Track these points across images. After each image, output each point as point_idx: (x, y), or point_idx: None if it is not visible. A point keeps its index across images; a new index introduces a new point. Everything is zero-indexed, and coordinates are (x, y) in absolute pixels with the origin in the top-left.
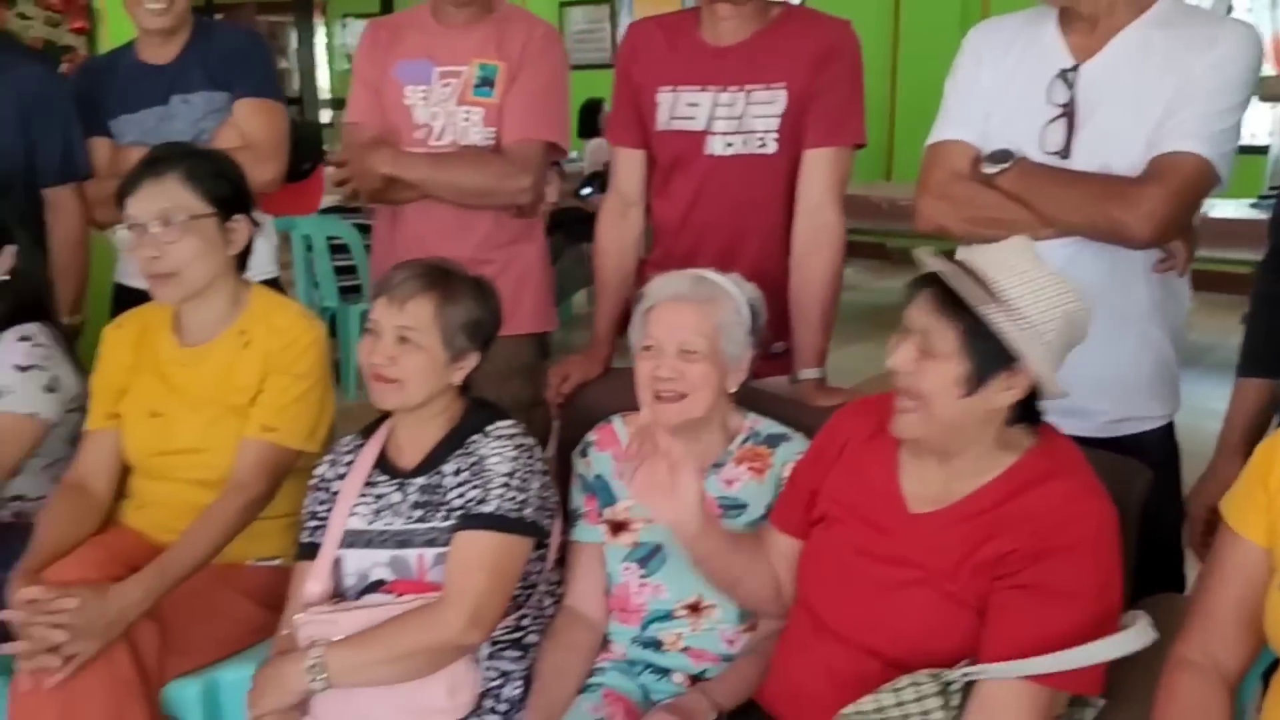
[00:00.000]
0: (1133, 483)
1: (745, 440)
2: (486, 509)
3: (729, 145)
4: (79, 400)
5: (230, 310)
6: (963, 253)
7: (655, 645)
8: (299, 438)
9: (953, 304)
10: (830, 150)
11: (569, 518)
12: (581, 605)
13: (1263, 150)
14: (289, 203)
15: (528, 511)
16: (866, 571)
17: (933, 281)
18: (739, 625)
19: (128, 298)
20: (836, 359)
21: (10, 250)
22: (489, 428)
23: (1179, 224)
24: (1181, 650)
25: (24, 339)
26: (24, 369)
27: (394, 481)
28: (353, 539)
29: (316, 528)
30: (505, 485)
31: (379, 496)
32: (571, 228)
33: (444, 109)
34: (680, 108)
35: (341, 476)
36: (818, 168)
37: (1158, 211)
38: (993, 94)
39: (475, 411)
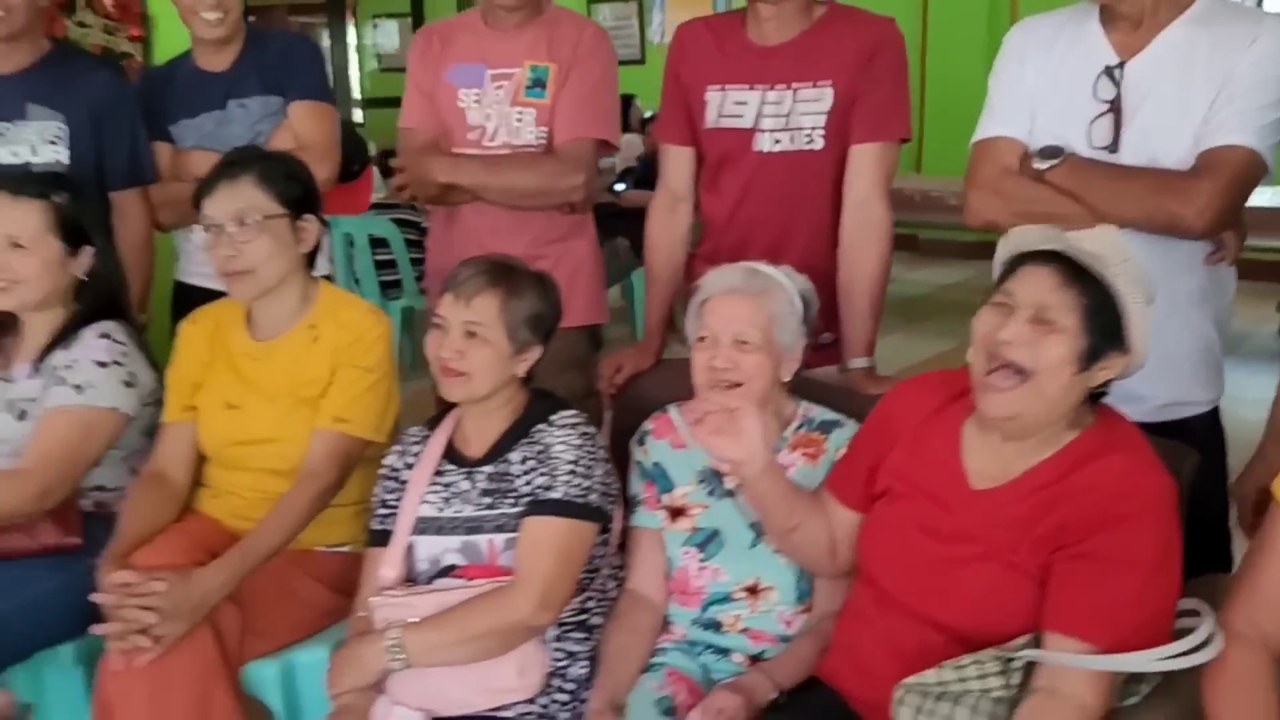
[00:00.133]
0: (1181, 465)
1: (799, 427)
2: (554, 495)
3: (776, 142)
4: (154, 395)
5: (300, 306)
6: (1069, 236)
7: (715, 627)
8: (368, 428)
9: (1076, 280)
10: (877, 145)
11: (628, 504)
12: (643, 588)
13: None
14: (340, 202)
15: (592, 497)
16: (930, 547)
17: (1044, 259)
18: (796, 607)
19: (189, 296)
20: None
21: (88, 251)
22: (553, 417)
23: (1232, 215)
24: (1229, 623)
25: (104, 336)
26: (104, 365)
27: (462, 470)
28: (424, 526)
29: (387, 515)
30: (571, 472)
31: (448, 485)
32: (604, 223)
33: (497, 110)
34: (728, 106)
35: (410, 466)
36: (865, 162)
37: (1213, 204)
38: (1037, 91)
39: (538, 402)
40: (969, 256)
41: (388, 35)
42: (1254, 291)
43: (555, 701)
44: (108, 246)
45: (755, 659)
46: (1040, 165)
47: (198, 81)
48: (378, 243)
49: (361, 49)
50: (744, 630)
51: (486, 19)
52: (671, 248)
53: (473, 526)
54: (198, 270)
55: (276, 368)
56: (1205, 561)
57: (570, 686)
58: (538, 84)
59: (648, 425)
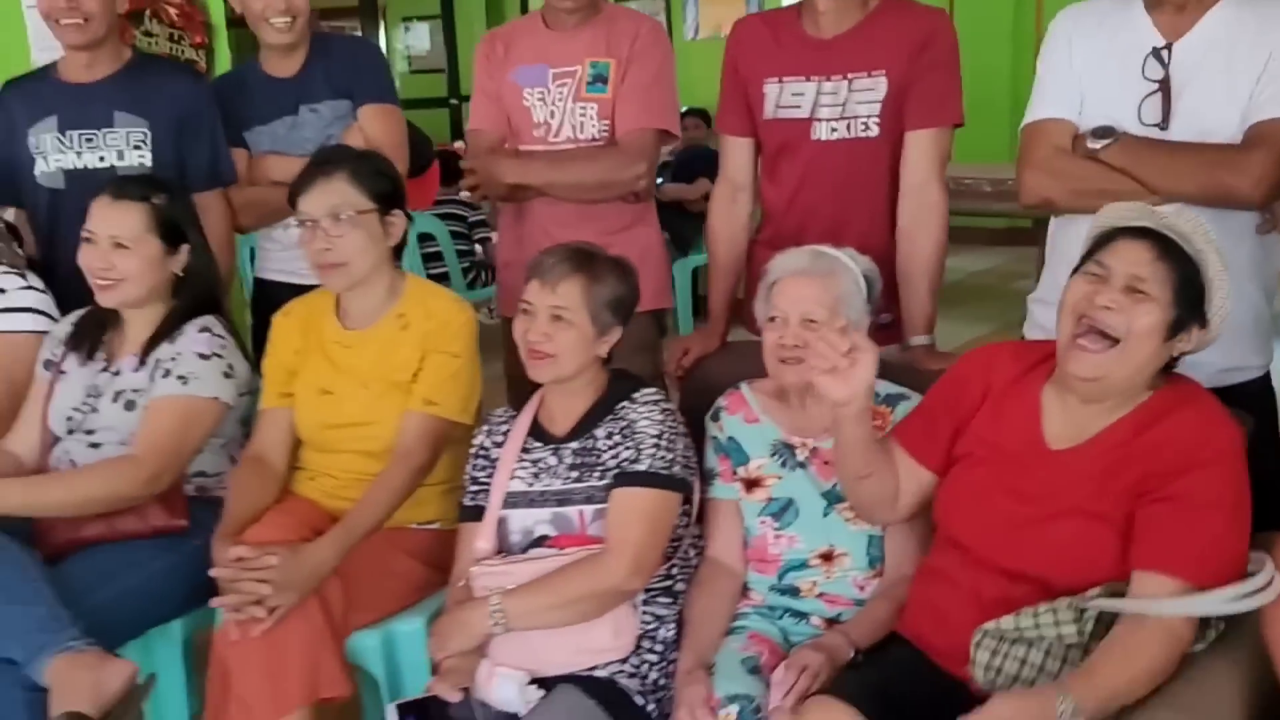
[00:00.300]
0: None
1: None
2: (640, 467)
3: (833, 130)
4: (249, 385)
5: (388, 297)
6: (1161, 214)
7: (793, 592)
8: (456, 410)
9: (1168, 255)
10: (932, 131)
11: (705, 478)
12: (723, 556)
13: None
14: (409, 198)
15: (676, 469)
16: (1012, 506)
17: (1136, 234)
18: (868, 572)
19: (268, 291)
20: None
21: (185, 249)
22: (636, 394)
23: None
24: None
25: (204, 330)
26: (206, 357)
27: (549, 447)
28: (515, 500)
29: (478, 491)
30: (656, 446)
31: (536, 461)
32: None
33: (561, 107)
34: (786, 97)
35: (499, 444)
36: (920, 148)
37: (1267, 175)
38: (1086, 74)
39: (619, 381)
40: (998, 243)
41: (419, 38)
42: None
43: (646, 661)
44: (202, 244)
45: (832, 622)
46: (1094, 144)
47: (268, 88)
48: (424, 238)
49: (392, 51)
50: (820, 595)
51: (547, 21)
52: (733, 235)
53: (562, 499)
54: (276, 267)
55: (368, 355)
56: (1261, 520)
57: (659, 648)
58: (599, 79)
59: (721, 402)
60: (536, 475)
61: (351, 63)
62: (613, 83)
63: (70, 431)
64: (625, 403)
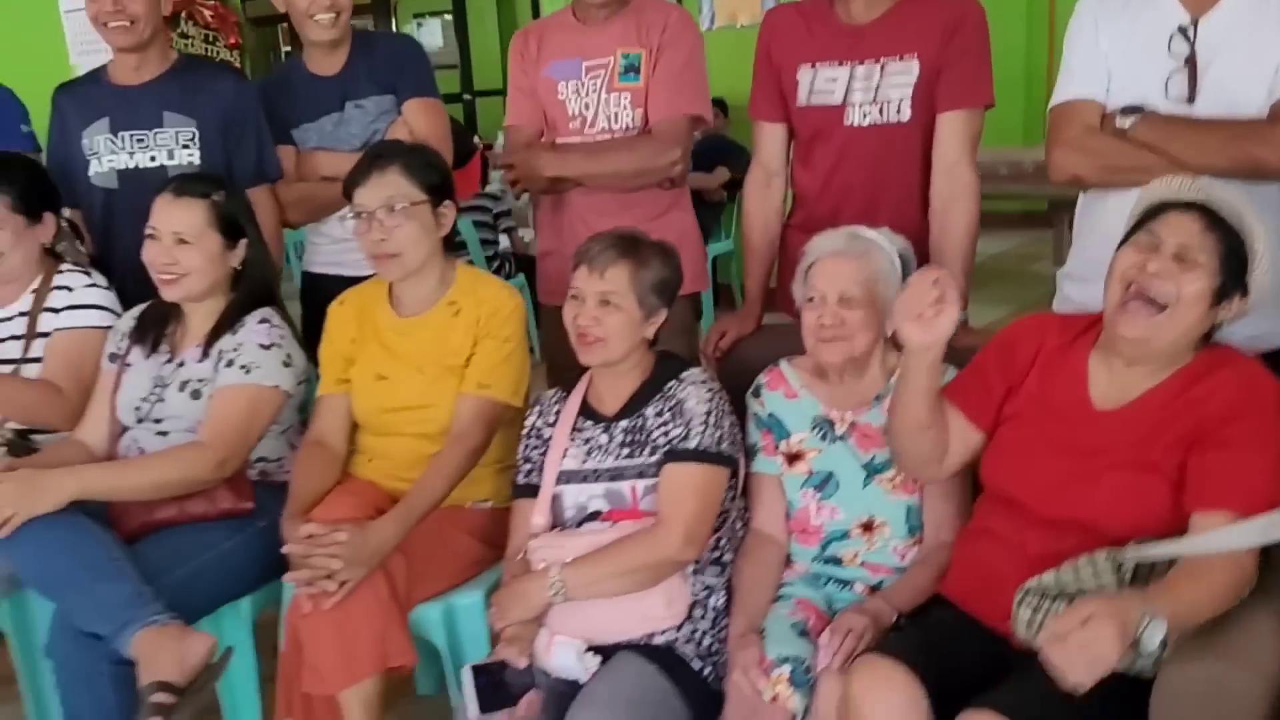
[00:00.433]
0: None
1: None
2: (690, 444)
3: (865, 115)
4: (305, 373)
5: (440, 285)
6: (1209, 188)
7: (836, 562)
8: (508, 392)
9: (1216, 226)
10: (963, 112)
11: (748, 453)
12: (767, 528)
13: None
14: None
15: (724, 445)
16: (1062, 463)
17: (1184, 207)
18: (908, 540)
19: (316, 284)
20: None
21: (243, 243)
22: (683, 375)
23: None
24: None
25: (263, 321)
26: (266, 347)
27: (599, 426)
28: (568, 477)
29: (531, 470)
30: (704, 423)
31: (587, 440)
32: None
33: (595, 99)
34: (819, 83)
35: (551, 425)
36: (953, 129)
37: None
38: (1112, 53)
39: (665, 362)
40: (1014, 226)
41: (431, 34)
42: None
43: (699, 628)
44: (258, 238)
45: (874, 589)
46: (1123, 122)
47: (314, 86)
48: None
49: None
50: (862, 564)
51: (577, 15)
52: (768, 220)
53: (615, 475)
54: (324, 260)
55: (422, 341)
56: None
57: (711, 615)
58: (631, 70)
59: (762, 379)
60: (589, 453)
61: (394, 58)
62: (645, 72)
63: (139, 421)
64: (673, 382)
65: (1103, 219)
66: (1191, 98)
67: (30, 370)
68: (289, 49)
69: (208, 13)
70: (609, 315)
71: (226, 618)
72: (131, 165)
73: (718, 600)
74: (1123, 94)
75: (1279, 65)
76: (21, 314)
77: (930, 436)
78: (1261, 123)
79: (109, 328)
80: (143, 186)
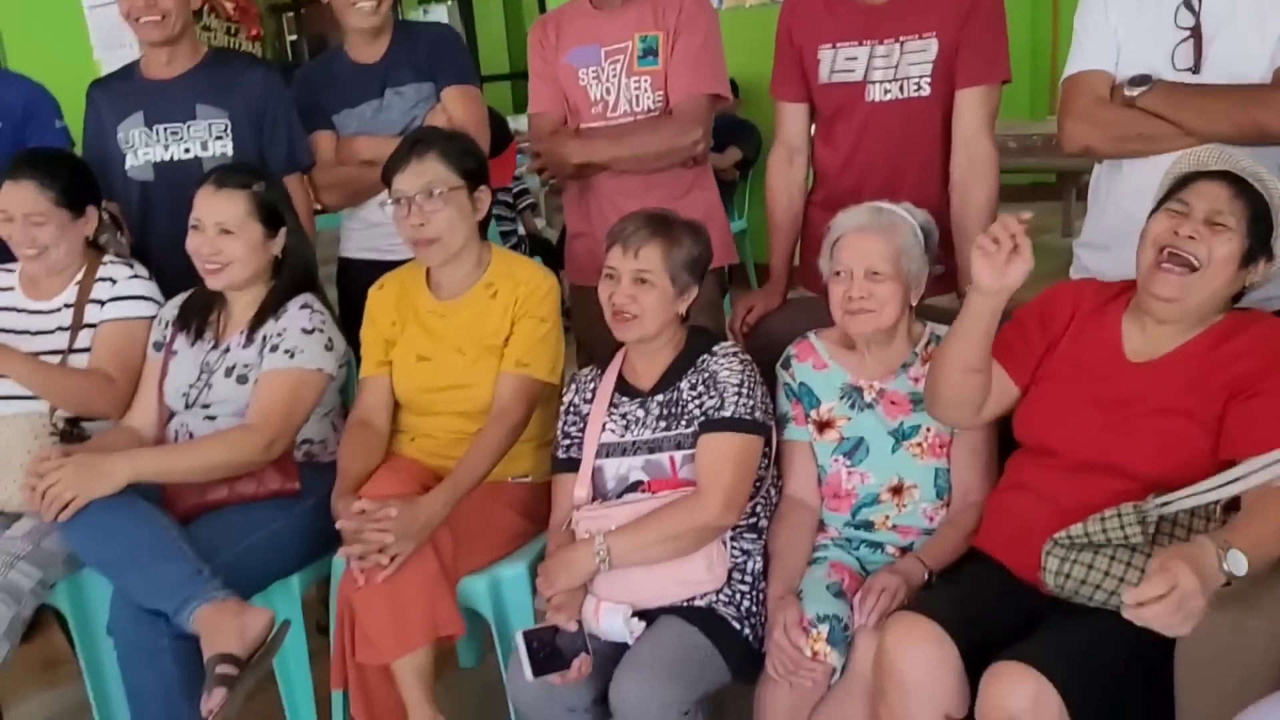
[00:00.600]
0: None
1: (927, 343)
2: (726, 414)
3: (886, 92)
4: (345, 357)
5: (477, 267)
6: (1236, 157)
7: (867, 526)
8: (546, 371)
9: (1244, 193)
10: (982, 88)
11: (779, 422)
12: (799, 493)
13: None
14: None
15: (758, 414)
16: (1100, 411)
17: (1213, 175)
18: (936, 503)
19: (350, 270)
20: None
21: (283, 232)
22: (715, 348)
23: None
24: None
25: (305, 307)
26: (309, 332)
27: (635, 400)
28: (608, 450)
29: (570, 445)
30: (738, 394)
31: (624, 414)
32: None
33: (615, 83)
34: (840, 62)
35: (588, 401)
36: (971, 104)
37: None
38: (1121, 26)
39: (697, 336)
40: (1023, 199)
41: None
42: None
43: (739, 591)
44: (298, 227)
45: (905, 550)
46: (1131, 93)
47: (355, 73)
48: None
49: None
50: (893, 527)
51: (594, 1)
52: (791, 196)
53: (653, 447)
54: (359, 245)
55: (461, 322)
56: None
57: (749, 579)
58: (649, 53)
59: (792, 350)
60: (627, 427)
61: (434, 47)
62: (663, 54)
63: (187, 406)
64: (706, 356)
65: (1119, 189)
66: (1197, 68)
67: (77, 360)
68: (294, 37)
69: (230, 6)
70: (644, 293)
71: (277, 594)
72: (166, 157)
73: (755, 564)
74: (1131, 65)
75: None
76: (67, 306)
77: (976, 381)
78: (1265, 88)
79: (153, 317)
80: (178, 178)
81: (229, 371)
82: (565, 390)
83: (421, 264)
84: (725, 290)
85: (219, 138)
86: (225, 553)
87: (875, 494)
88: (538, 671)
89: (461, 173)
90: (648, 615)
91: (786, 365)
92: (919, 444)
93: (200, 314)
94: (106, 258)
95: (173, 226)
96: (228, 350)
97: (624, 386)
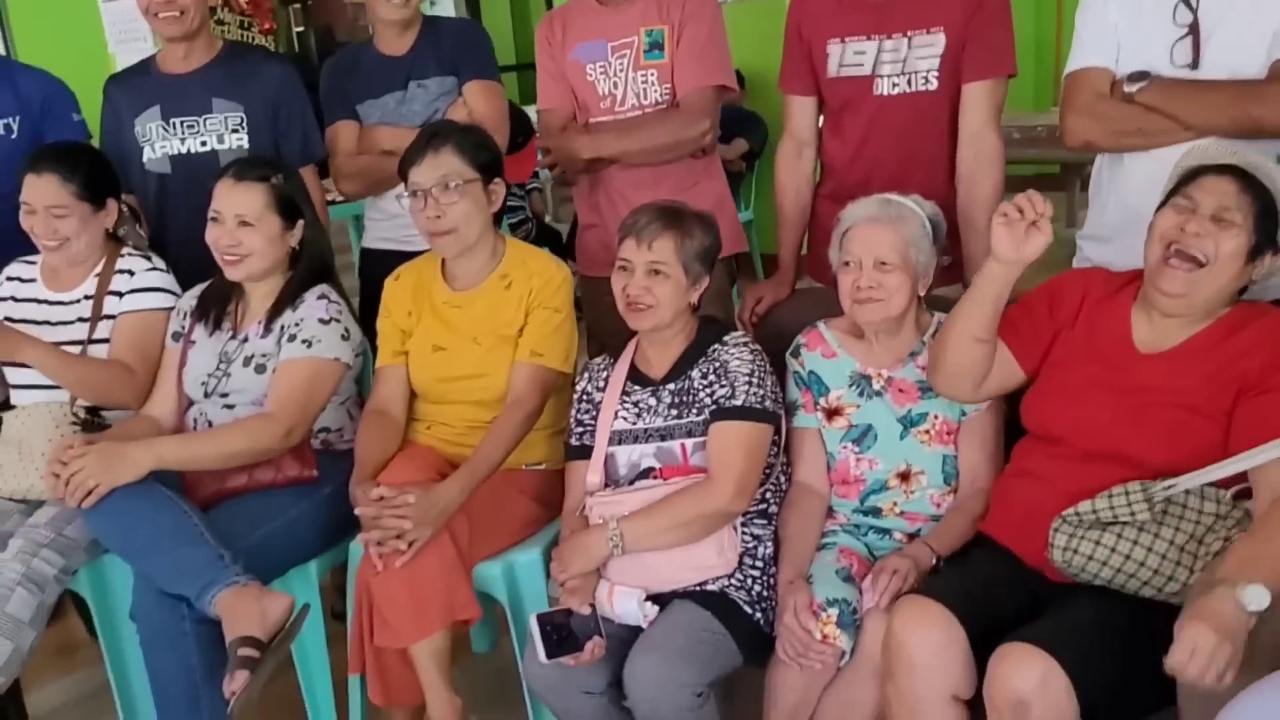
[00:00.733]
0: None
1: (934, 333)
2: (736, 402)
3: (894, 86)
4: (362, 346)
5: (491, 259)
6: (1243, 152)
7: (875, 513)
8: (559, 360)
9: (1250, 188)
10: (988, 82)
11: (788, 410)
12: (809, 480)
13: None
14: (508, 171)
15: (768, 403)
16: (1110, 399)
17: (1219, 170)
18: (944, 489)
19: (373, 259)
20: None
21: (300, 223)
22: (726, 338)
23: None
24: None
25: (322, 297)
26: (326, 322)
27: (648, 389)
28: (620, 438)
29: (583, 433)
30: (749, 382)
31: (637, 402)
32: None
33: (623, 78)
34: (849, 56)
35: (601, 389)
36: (978, 98)
37: None
38: (1121, 23)
39: (708, 326)
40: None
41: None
42: None
43: (749, 576)
44: (314, 219)
45: (912, 536)
46: (1130, 88)
47: (381, 65)
48: None
49: None
50: (901, 514)
51: None
52: (799, 189)
53: (665, 434)
54: (380, 235)
55: (476, 313)
56: None
57: (760, 564)
58: (655, 46)
59: (801, 339)
60: (639, 414)
61: (459, 42)
62: (669, 48)
63: (206, 395)
64: (717, 345)
65: (1120, 182)
66: (1195, 64)
67: (96, 351)
68: (301, 28)
69: (243, 0)
70: (658, 284)
71: (295, 580)
72: (183, 150)
73: (765, 550)
74: (1131, 62)
75: (1278, 28)
76: (86, 297)
77: (981, 350)
78: (1260, 83)
79: (171, 308)
80: (195, 171)
81: (247, 361)
82: (578, 379)
83: (437, 255)
84: (734, 279)
85: (235, 130)
86: (244, 539)
87: (883, 480)
88: (552, 654)
89: (476, 166)
90: (660, 599)
91: (796, 354)
92: (927, 431)
93: (218, 304)
94: (125, 250)
95: (190, 219)
96: (246, 340)
97: (636, 375)
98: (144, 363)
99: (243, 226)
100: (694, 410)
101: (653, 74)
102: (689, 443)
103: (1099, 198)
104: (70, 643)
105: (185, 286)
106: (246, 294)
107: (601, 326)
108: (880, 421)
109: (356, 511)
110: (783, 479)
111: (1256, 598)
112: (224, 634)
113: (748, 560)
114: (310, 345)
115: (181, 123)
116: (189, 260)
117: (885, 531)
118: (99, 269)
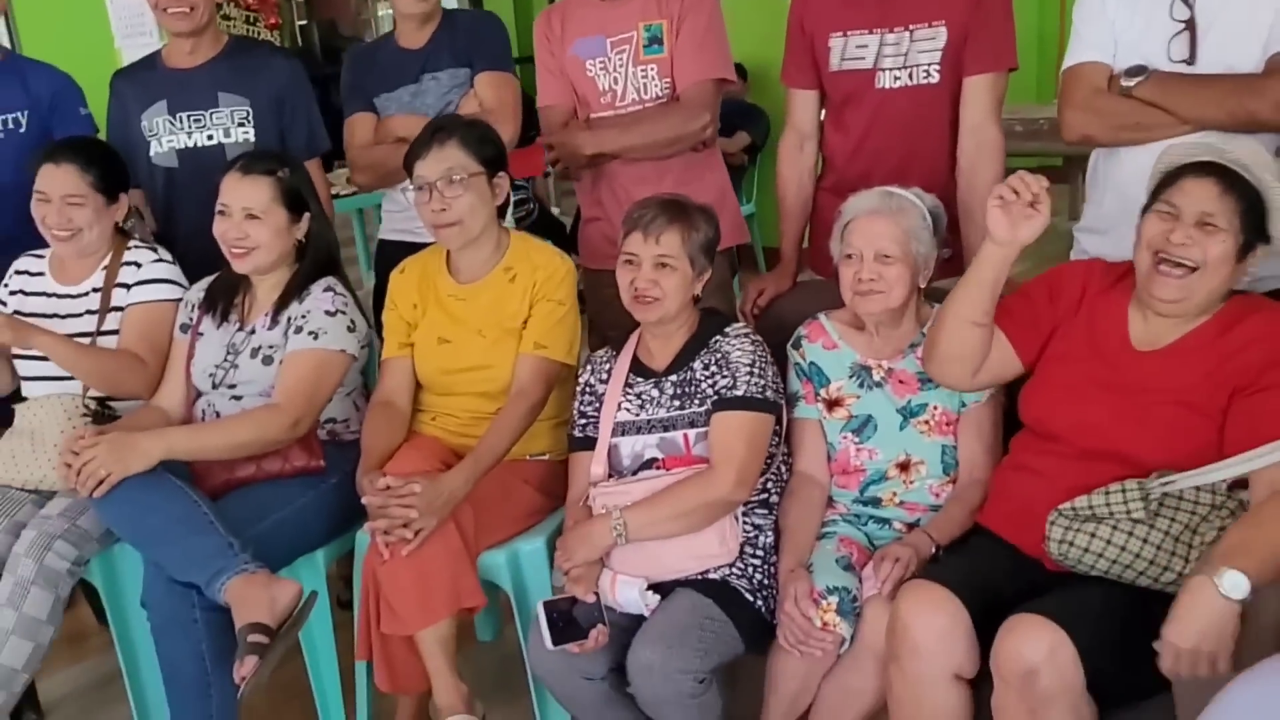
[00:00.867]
0: None
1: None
2: (738, 393)
3: (896, 79)
4: (367, 338)
5: (496, 252)
6: (1222, 148)
7: (875, 503)
8: (563, 352)
9: (1233, 188)
10: (989, 76)
11: (789, 401)
12: (809, 470)
13: None
14: (519, 165)
15: (769, 393)
16: (1108, 397)
17: (1200, 170)
18: (943, 479)
19: (389, 250)
20: None
21: (307, 217)
22: (727, 329)
23: None
24: None
25: (328, 290)
26: (332, 314)
27: (650, 380)
28: (624, 428)
29: (587, 424)
30: (750, 373)
31: (640, 394)
32: None
33: (623, 73)
34: (850, 50)
35: (604, 381)
36: (979, 92)
37: None
38: (1118, 19)
39: (710, 318)
40: None
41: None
42: None
43: (751, 565)
44: (320, 212)
45: (912, 526)
46: (1128, 83)
47: (398, 58)
48: None
49: None
50: (900, 504)
51: None
52: (801, 182)
53: (667, 425)
54: (396, 227)
55: (481, 306)
56: None
57: (761, 553)
58: (654, 41)
59: (802, 330)
60: (642, 406)
61: (472, 33)
62: (668, 42)
63: (214, 386)
64: (718, 337)
65: (1116, 175)
66: (1192, 59)
67: (105, 343)
68: (304, 22)
69: None
70: (665, 277)
71: (303, 568)
72: (190, 144)
73: (766, 539)
74: (1128, 57)
75: (1273, 23)
76: (94, 290)
77: (977, 335)
78: (1256, 76)
79: (178, 300)
80: (202, 164)
81: (254, 352)
82: (581, 371)
83: (442, 248)
84: (735, 271)
85: (241, 124)
86: (253, 527)
87: (883, 470)
88: (557, 641)
89: (481, 159)
90: (662, 588)
91: (797, 345)
92: (926, 421)
93: (226, 296)
94: (132, 243)
95: (197, 212)
96: (253, 332)
97: (639, 367)
98: (154, 353)
99: (250, 219)
100: (696, 401)
101: (652, 69)
102: (691, 433)
103: (1095, 190)
104: (81, 630)
105: (193, 280)
106: (253, 286)
107: (604, 319)
108: (880, 412)
109: (364, 501)
110: (784, 469)
111: (1235, 585)
112: (233, 621)
113: (749, 549)
114: (316, 337)
115: (188, 117)
116: (196, 253)
117: (885, 521)
118: (106, 262)
